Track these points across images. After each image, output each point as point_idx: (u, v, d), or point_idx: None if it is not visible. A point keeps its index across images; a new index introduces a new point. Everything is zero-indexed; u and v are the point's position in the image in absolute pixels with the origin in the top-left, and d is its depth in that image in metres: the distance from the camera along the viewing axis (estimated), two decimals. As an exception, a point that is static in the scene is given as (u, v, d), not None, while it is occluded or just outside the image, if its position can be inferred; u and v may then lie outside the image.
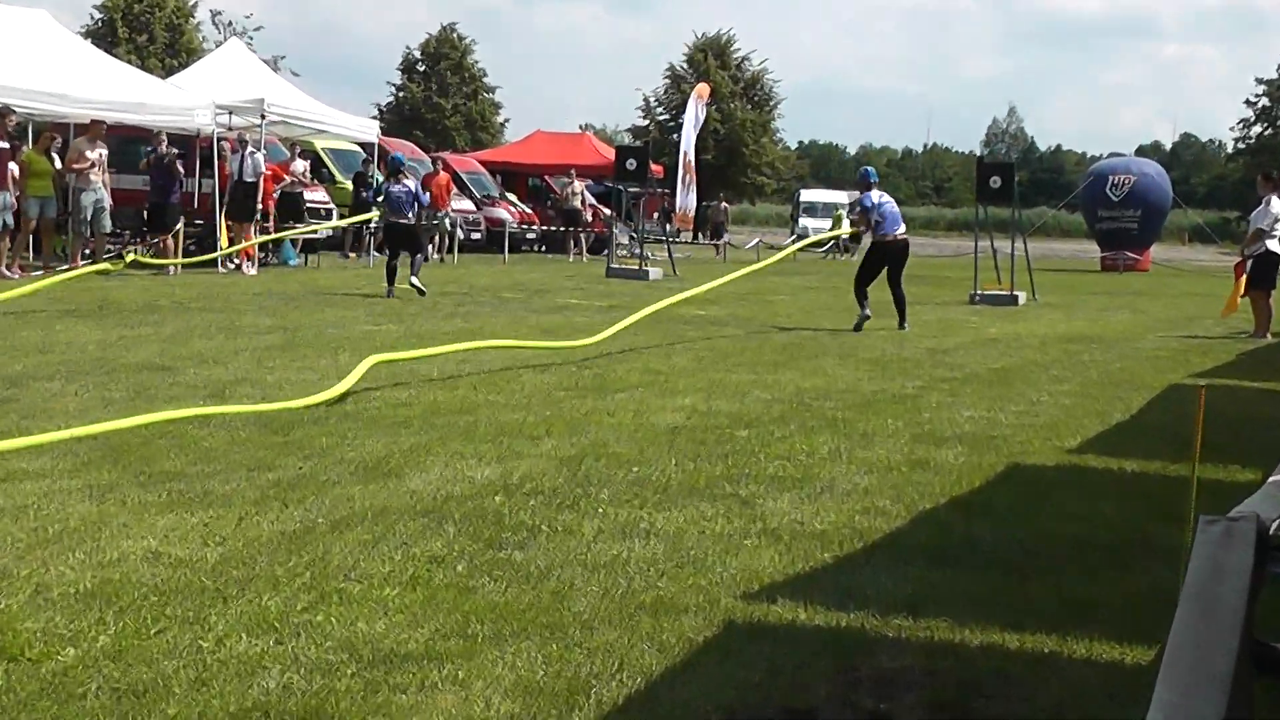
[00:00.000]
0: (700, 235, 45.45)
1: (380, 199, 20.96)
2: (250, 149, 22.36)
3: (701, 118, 38.99)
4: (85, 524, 5.41)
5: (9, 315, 13.15)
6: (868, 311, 15.89)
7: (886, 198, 16.27)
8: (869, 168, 17.17)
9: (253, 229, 22.60)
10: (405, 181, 18.62)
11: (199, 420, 7.65)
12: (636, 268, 25.74)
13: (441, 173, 29.49)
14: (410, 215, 18.53)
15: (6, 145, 18.30)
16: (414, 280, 18.02)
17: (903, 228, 16.21)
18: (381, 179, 24.88)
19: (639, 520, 5.85)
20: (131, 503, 5.79)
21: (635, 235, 31.68)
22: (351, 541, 5.31)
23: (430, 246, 26.40)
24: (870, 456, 7.59)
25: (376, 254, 27.97)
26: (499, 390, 9.60)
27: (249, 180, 22.28)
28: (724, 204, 47.48)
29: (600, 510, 5.99)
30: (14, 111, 18.56)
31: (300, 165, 26.11)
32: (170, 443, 7.07)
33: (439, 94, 66.03)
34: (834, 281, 18.01)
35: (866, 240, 16.91)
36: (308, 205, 25.64)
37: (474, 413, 8.51)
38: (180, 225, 20.81)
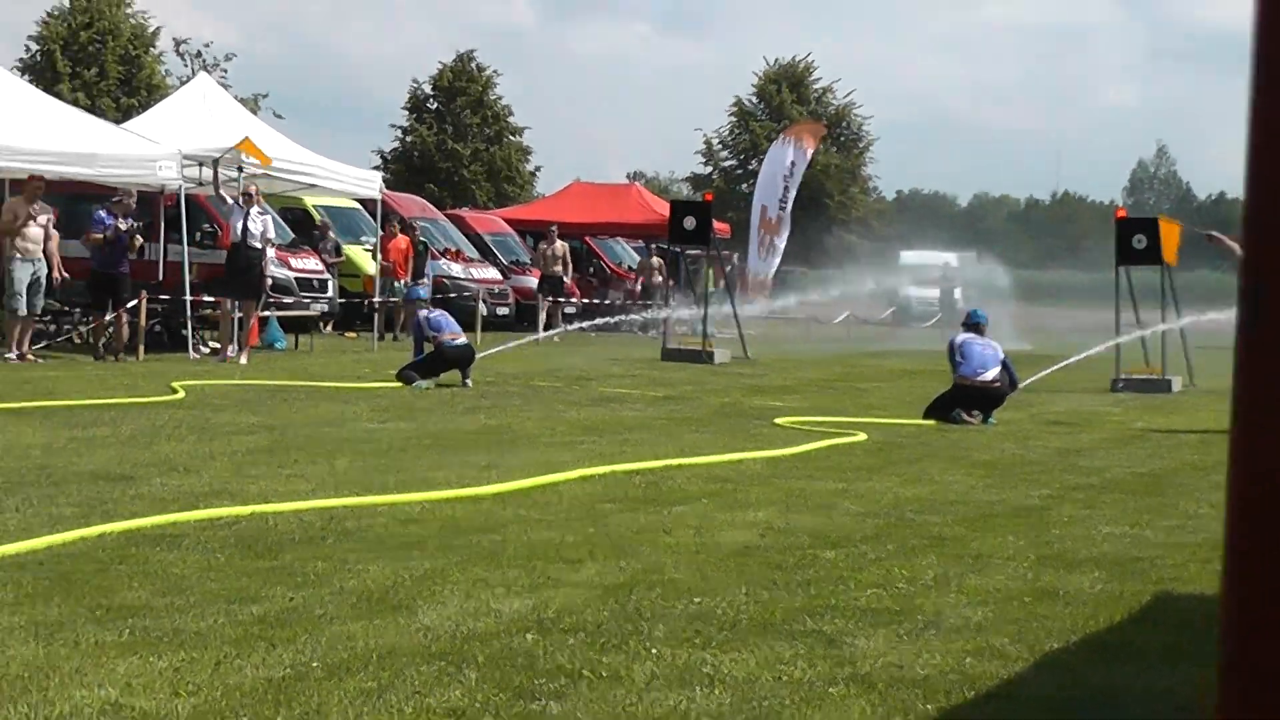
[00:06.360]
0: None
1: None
2: (257, 207, 22.14)
3: (800, 164, 39.11)
4: (29, 670, 5.49)
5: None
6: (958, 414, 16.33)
7: (977, 338, 17.01)
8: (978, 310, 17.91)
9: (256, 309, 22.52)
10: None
11: (167, 540, 7.80)
12: (699, 349, 25.90)
13: (400, 235, 29.69)
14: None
15: None
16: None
17: (991, 373, 16.65)
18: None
19: (701, 664, 5.90)
20: (85, 643, 5.86)
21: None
22: (352, 690, 5.38)
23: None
24: (985, 584, 7.61)
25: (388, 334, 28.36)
26: (531, 503, 9.71)
27: (254, 246, 21.82)
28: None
29: (654, 651, 6.05)
30: None
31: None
32: (131, 569, 7.18)
33: (455, 138, 66.82)
34: (940, 363, 18.04)
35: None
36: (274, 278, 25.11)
37: (500, 530, 8.61)
38: (140, 300, 21.04)
